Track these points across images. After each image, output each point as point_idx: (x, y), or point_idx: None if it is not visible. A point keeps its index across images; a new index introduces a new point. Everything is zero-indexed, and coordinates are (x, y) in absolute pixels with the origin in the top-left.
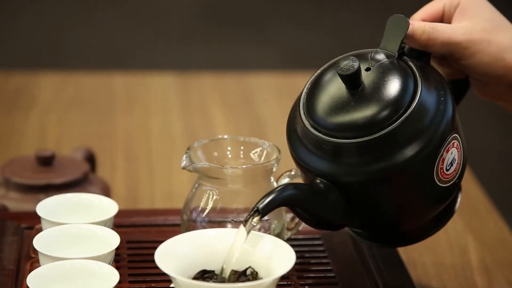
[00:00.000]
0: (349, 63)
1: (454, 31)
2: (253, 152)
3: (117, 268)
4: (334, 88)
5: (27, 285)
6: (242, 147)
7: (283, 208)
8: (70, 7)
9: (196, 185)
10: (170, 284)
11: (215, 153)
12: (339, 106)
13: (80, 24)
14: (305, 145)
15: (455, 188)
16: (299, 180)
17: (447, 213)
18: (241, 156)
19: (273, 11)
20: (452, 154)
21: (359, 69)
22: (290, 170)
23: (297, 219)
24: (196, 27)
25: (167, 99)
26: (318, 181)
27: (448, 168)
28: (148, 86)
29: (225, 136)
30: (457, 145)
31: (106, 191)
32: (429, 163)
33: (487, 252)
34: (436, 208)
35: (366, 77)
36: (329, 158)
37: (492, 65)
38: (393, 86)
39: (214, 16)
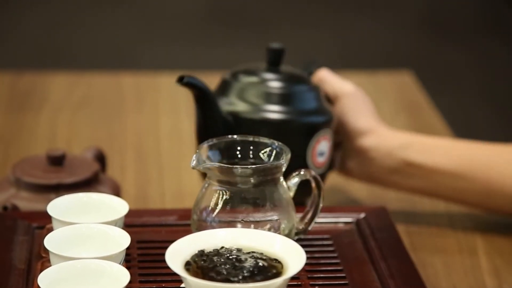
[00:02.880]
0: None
1: (340, 81)
2: (262, 152)
3: (128, 268)
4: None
5: (38, 285)
6: (251, 147)
7: (293, 208)
8: (79, 7)
9: (206, 185)
10: (181, 284)
11: (225, 153)
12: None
13: (90, 25)
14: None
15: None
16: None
17: None
18: (251, 156)
19: (279, 12)
20: (324, 145)
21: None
22: (300, 170)
23: (306, 219)
24: (204, 27)
25: (176, 99)
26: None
27: (320, 154)
28: (158, 86)
29: (235, 136)
30: (329, 139)
31: (116, 191)
32: (307, 139)
33: (497, 252)
34: None
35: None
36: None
37: (347, 120)
38: (301, 76)
39: (222, 17)
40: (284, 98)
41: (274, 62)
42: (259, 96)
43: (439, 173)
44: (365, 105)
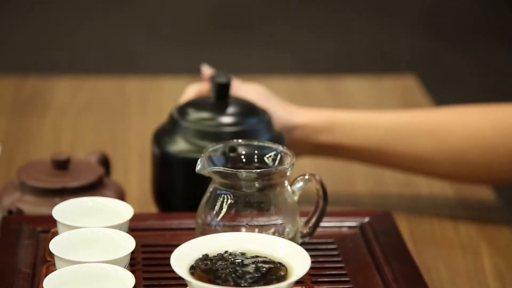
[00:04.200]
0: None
1: (243, 86)
2: (267, 156)
3: (132, 272)
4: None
5: None
6: (256, 151)
7: (297, 212)
8: (82, 12)
9: (211, 189)
10: None
11: (230, 157)
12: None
13: (92, 29)
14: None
15: None
16: (312, 184)
17: None
18: (256, 160)
19: (285, 16)
20: None
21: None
22: (304, 175)
23: (311, 223)
24: (208, 31)
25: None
26: None
27: None
28: (161, 90)
29: (240, 140)
30: None
31: (121, 195)
32: None
33: (500, 256)
34: None
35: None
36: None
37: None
38: (249, 107)
39: (226, 21)
40: (238, 137)
41: (221, 96)
42: (212, 137)
43: (363, 150)
44: (273, 98)
